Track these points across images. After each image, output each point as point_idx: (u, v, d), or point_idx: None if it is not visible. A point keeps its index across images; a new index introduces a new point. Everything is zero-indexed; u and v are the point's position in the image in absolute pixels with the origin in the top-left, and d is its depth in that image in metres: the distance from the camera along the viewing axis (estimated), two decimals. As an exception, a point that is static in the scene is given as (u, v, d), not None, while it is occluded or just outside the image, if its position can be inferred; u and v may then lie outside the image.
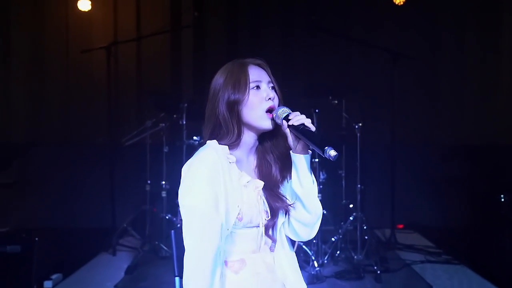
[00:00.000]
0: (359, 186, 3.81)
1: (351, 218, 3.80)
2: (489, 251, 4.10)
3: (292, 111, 1.44)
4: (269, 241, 1.49)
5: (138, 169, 4.45)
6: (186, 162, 1.42)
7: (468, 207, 4.84)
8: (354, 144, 3.78)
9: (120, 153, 4.51)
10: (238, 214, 1.41)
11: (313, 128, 1.39)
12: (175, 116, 3.99)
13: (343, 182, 3.95)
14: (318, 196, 1.63)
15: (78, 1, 4.85)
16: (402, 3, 4.82)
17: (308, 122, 1.40)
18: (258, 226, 1.45)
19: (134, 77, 4.99)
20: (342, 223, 3.93)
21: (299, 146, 1.43)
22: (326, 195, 3.69)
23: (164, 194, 3.94)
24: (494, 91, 4.98)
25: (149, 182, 4.08)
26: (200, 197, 1.35)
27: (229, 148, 1.45)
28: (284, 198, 1.49)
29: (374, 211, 4.68)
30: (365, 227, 3.75)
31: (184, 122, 3.82)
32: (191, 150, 3.74)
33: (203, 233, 1.34)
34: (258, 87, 1.46)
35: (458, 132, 4.98)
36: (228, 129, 1.44)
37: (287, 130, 1.42)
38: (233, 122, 1.44)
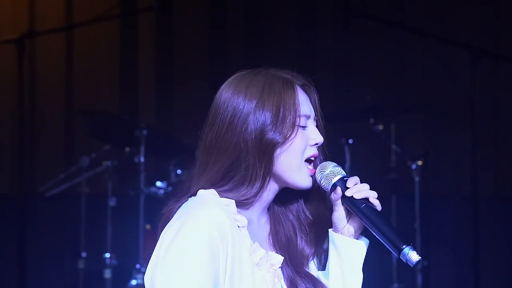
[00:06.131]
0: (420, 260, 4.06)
1: (408, 312, 4.07)
2: None
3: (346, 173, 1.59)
4: None
5: (66, 234, 4.66)
6: (170, 225, 1.51)
7: None
8: (409, 194, 4.04)
9: (36, 209, 4.74)
10: None
11: (379, 207, 1.55)
12: (127, 149, 4.24)
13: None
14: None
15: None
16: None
17: (373, 197, 1.56)
18: None
19: (61, 88, 5.22)
20: (394, 320, 4.19)
21: (353, 225, 1.60)
22: (369, 275, 3.87)
23: (108, 274, 4.15)
24: None
25: (83, 255, 4.31)
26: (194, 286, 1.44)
27: (236, 205, 1.56)
28: (314, 278, 1.64)
29: (446, 302, 4.90)
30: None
31: (143, 160, 4.04)
32: (153, 203, 3.97)
33: None
34: (304, 126, 1.59)
35: None
36: (249, 179, 1.55)
37: (338, 202, 1.59)
38: (261, 171, 1.54)
